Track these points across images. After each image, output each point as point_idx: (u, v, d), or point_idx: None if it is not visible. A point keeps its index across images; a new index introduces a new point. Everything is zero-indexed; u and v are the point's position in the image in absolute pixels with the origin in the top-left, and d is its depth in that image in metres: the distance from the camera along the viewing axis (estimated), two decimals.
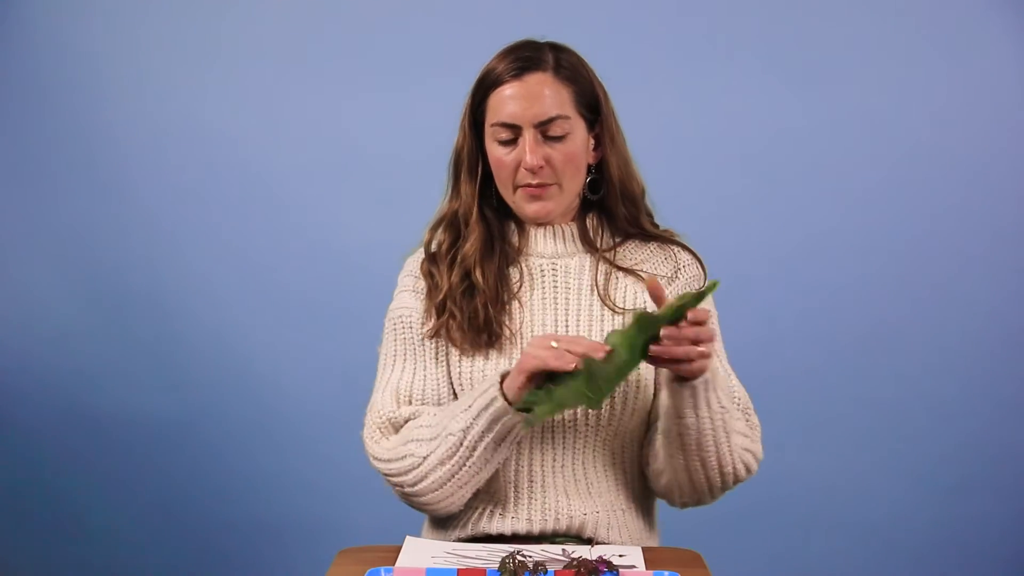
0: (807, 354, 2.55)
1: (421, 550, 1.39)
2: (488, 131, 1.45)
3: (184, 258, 2.56)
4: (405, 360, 1.49)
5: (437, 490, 1.39)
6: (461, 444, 1.35)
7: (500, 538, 1.46)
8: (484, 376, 1.44)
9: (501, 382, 1.34)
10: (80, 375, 2.57)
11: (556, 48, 1.46)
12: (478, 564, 1.33)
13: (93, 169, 2.55)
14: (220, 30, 2.55)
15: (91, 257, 2.56)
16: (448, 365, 1.48)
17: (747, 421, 1.47)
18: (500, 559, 1.28)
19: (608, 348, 1.26)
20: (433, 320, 1.47)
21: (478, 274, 1.46)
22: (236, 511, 2.60)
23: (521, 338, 1.46)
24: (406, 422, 1.45)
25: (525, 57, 1.43)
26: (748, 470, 1.43)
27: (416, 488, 1.40)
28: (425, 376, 1.47)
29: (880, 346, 2.56)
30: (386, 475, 1.44)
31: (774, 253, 2.53)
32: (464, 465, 1.36)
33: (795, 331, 2.54)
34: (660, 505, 1.60)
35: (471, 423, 1.34)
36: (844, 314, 2.54)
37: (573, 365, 1.25)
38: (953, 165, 2.53)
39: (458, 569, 1.27)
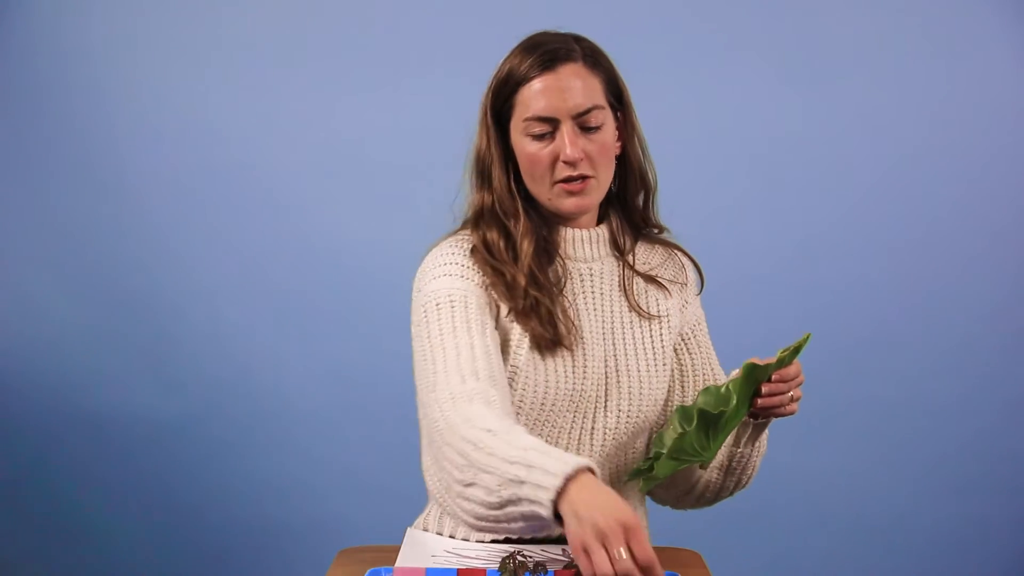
0: (807, 354, 2.52)
1: (421, 549, 1.39)
2: (518, 125, 1.40)
3: (182, 259, 2.56)
4: (457, 337, 1.32)
5: (445, 505, 1.23)
6: (493, 506, 1.14)
7: (507, 539, 1.45)
8: (548, 376, 1.39)
9: (565, 482, 1.08)
10: (78, 376, 2.57)
11: (578, 38, 1.43)
12: (478, 564, 1.33)
13: (91, 169, 2.55)
14: (218, 30, 2.54)
15: (90, 258, 2.56)
16: (506, 353, 1.40)
17: None
18: (500, 559, 1.28)
19: None
20: (516, 314, 1.39)
21: (538, 273, 1.41)
22: (236, 511, 2.60)
23: (581, 335, 1.42)
24: (479, 398, 1.24)
25: (553, 49, 1.39)
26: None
27: (430, 483, 1.30)
28: (488, 349, 1.32)
29: (880, 346, 2.56)
30: (443, 445, 1.20)
31: (774, 253, 2.54)
32: (483, 523, 1.17)
33: (795, 331, 2.53)
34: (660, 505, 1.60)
35: (510, 497, 1.11)
36: (844, 314, 2.54)
37: None
38: (953, 165, 2.53)
39: (458, 569, 1.27)
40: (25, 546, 2.62)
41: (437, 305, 1.36)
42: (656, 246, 1.54)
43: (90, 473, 2.60)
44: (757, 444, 1.42)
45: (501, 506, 1.12)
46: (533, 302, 1.38)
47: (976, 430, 2.56)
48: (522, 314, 1.38)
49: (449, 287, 1.38)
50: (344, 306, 2.53)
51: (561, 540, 1.46)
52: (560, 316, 1.40)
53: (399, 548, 1.40)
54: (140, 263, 2.56)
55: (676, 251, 1.55)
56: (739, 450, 1.41)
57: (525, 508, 1.10)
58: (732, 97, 2.53)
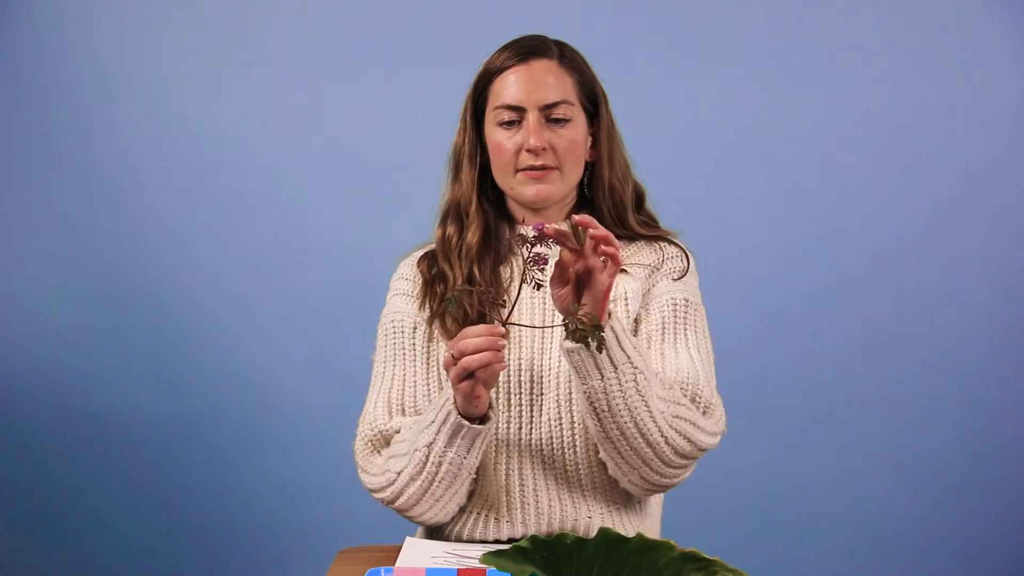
0: (807, 354, 2.55)
1: (421, 550, 1.39)
2: (490, 116, 1.46)
3: (185, 258, 2.56)
4: (395, 367, 1.48)
5: (416, 504, 1.39)
6: (427, 460, 1.35)
7: (496, 542, 1.45)
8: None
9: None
10: (80, 374, 2.57)
11: (560, 43, 1.49)
12: (478, 564, 1.33)
13: (93, 169, 2.55)
14: (220, 31, 2.55)
15: (91, 256, 2.56)
16: (439, 365, 1.47)
17: (683, 393, 1.39)
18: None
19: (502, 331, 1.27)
20: (428, 312, 1.48)
21: (476, 269, 1.47)
22: (236, 511, 2.60)
23: (509, 333, 1.45)
24: (396, 434, 1.44)
25: (530, 45, 1.46)
26: (690, 440, 1.36)
27: (397, 503, 1.40)
28: (416, 383, 1.47)
29: (880, 346, 2.56)
30: (370, 490, 1.43)
31: (774, 253, 2.54)
32: (434, 480, 1.36)
33: (795, 331, 2.54)
34: (661, 505, 1.60)
35: (434, 438, 1.34)
36: (844, 314, 2.54)
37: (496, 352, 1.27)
38: (951, 164, 2.53)
39: (458, 569, 1.27)
40: (25, 545, 2.62)
41: (392, 330, 1.50)
42: (639, 240, 1.52)
43: (90, 472, 2.60)
44: (614, 375, 1.30)
45: (427, 457, 1.34)
46: (441, 305, 1.44)
47: (974, 430, 2.56)
48: (434, 314, 1.47)
49: (398, 310, 1.51)
50: (345, 306, 2.53)
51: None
52: (487, 313, 1.42)
53: (399, 548, 1.40)
54: (143, 262, 2.56)
55: (662, 242, 1.52)
56: (591, 383, 1.31)
57: (443, 434, 1.32)
58: (731, 97, 2.53)
